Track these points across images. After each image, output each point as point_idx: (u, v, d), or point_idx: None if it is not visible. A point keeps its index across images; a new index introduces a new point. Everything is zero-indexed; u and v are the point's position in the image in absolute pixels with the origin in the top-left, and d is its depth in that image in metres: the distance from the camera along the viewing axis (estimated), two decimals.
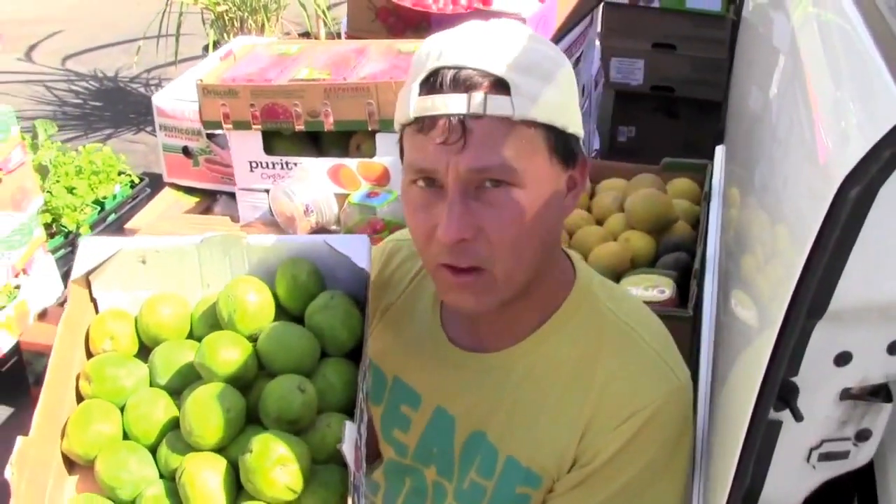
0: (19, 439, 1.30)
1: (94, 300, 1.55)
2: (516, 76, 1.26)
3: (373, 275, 1.57)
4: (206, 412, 1.34)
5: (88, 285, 1.54)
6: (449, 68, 1.25)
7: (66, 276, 3.49)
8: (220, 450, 1.36)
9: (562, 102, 1.31)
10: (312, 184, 2.65)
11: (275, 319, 1.49)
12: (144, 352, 1.51)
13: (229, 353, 1.41)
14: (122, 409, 1.43)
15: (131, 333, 1.51)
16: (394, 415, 1.61)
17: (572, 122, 1.33)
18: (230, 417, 1.35)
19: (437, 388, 1.54)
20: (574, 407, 1.42)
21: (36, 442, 1.36)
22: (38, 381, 3.10)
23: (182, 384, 1.44)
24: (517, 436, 1.47)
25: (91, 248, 1.53)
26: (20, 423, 3.16)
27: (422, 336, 1.56)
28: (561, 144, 1.31)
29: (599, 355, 1.42)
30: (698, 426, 1.59)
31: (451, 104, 1.24)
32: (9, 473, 1.28)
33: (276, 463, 1.28)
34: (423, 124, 1.27)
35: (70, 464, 1.43)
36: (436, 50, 1.29)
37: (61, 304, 3.25)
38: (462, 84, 1.24)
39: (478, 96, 1.24)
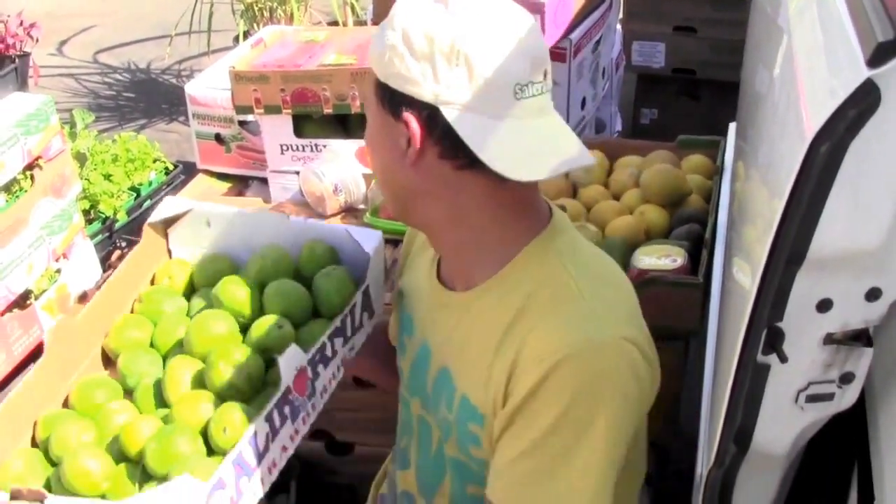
0: (63, 317, 1.55)
1: (169, 250, 2.04)
2: (379, 28, 1.51)
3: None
4: (201, 326, 1.73)
5: (165, 235, 2.02)
6: None
7: (104, 260, 3.60)
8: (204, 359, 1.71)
9: (389, 56, 1.46)
10: (341, 164, 2.74)
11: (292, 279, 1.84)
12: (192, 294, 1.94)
13: (237, 291, 1.78)
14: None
15: (185, 278, 1.96)
16: (401, 341, 1.78)
17: (394, 76, 1.46)
18: (218, 333, 1.72)
19: (425, 320, 1.70)
20: (508, 350, 1.48)
21: (80, 328, 1.79)
22: None
23: None
24: (468, 375, 1.57)
25: (170, 204, 2.02)
26: None
27: (424, 274, 1.73)
28: (387, 95, 1.49)
29: (536, 303, 1.49)
30: (705, 383, 1.69)
31: None
32: (46, 337, 1.53)
33: (227, 363, 1.65)
34: None
35: (107, 361, 1.83)
36: None
37: (100, 286, 3.37)
38: None
39: None
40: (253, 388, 1.66)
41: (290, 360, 1.59)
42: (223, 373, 1.64)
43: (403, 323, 1.77)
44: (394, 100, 1.47)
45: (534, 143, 1.45)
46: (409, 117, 1.45)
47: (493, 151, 1.41)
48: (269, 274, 1.83)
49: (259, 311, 1.78)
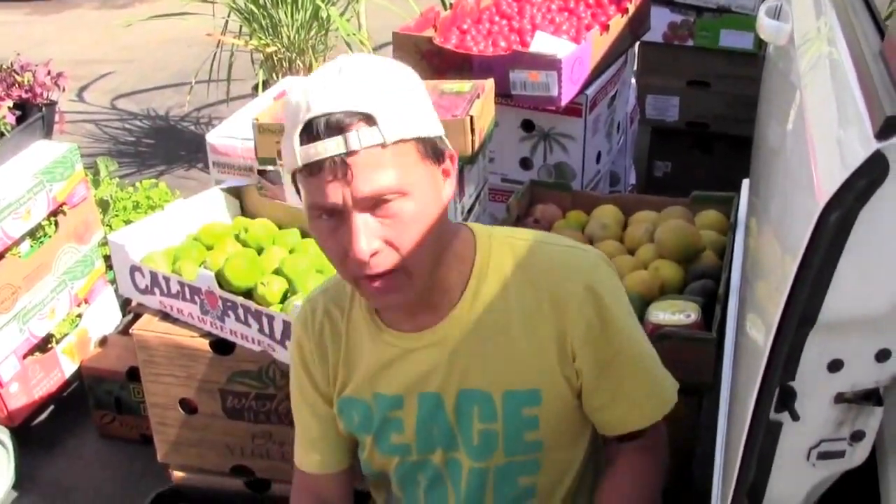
0: None
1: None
2: (378, 107, 1.46)
3: (308, 345, 1.82)
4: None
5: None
6: (320, 117, 1.44)
7: (124, 306, 3.65)
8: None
9: (420, 113, 1.53)
10: None
11: None
12: None
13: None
14: None
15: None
16: (386, 425, 1.78)
17: (432, 126, 1.56)
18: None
19: (410, 379, 1.72)
20: (537, 316, 1.65)
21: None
22: (99, 404, 3.25)
23: None
24: (502, 371, 1.67)
25: None
26: (82, 443, 3.32)
27: (377, 347, 1.75)
28: (430, 148, 1.54)
29: (529, 271, 1.67)
30: (718, 437, 1.72)
31: (330, 147, 1.44)
32: None
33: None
34: (312, 169, 1.46)
35: None
36: (304, 102, 1.47)
37: (121, 331, 3.42)
38: (335, 127, 1.44)
39: (351, 135, 1.44)
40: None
41: None
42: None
43: (380, 408, 1.77)
44: (435, 147, 1.56)
45: None
46: (449, 153, 1.60)
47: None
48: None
49: None
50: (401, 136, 1.48)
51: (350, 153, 1.44)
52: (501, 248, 1.69)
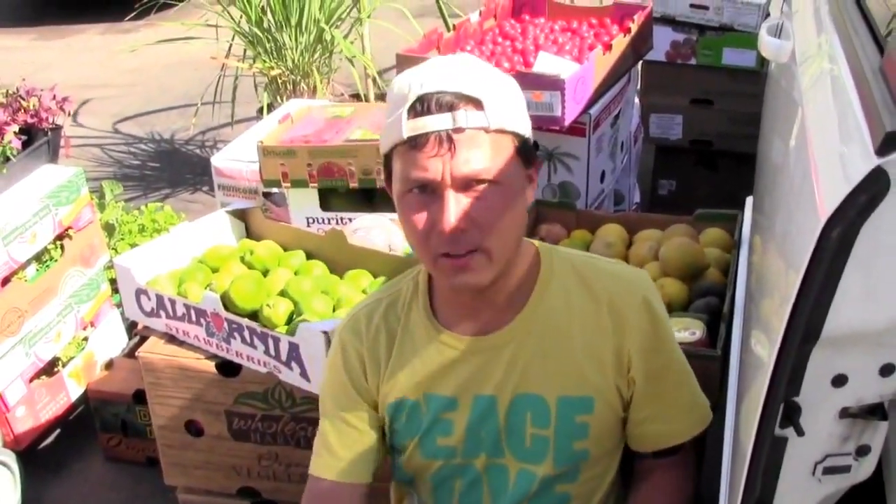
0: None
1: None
2: (486, 95, 1.55)
3: (360, 350, 1.84)
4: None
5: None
6: (432, 94, 1.53)
7: (130, 329, 3.66)
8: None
9: (520, 113, 1.63)
10: (383, 230, 2.79)
11: None
12: None
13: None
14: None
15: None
16: (435, 427, 1.79)
17: (528, 129, 1.66)
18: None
19: (467, 381, 1.76)
20: (596, 326, 1.73)
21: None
22: (105, 427, 3.25)
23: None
24: (559, 377, 1.72)
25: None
26: (88, 466, 3.32)
27: (435, 350, 1.78)
28: (523, 147, 1.62)
29: (589, 283, 1.77)
30: (724, 453, 1.72)
31: (439, 122, 1.53)
32: None
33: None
34: (417, 142, 1.54)
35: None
36: (416, 82, 1.56)
37: (127, 354, 3.43)
38: (445, 105, 1.53)
39: (460, 114, 1.53)
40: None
41: None
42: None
43: (430, 408, 1.79)
44: (527, 148, 1.65)
45: None
46: (536, 162, 1.69)
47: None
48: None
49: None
50: (503, 126, 1.58)
51: (456, 130, 1.53)
52: (562, 260, 1.79)
